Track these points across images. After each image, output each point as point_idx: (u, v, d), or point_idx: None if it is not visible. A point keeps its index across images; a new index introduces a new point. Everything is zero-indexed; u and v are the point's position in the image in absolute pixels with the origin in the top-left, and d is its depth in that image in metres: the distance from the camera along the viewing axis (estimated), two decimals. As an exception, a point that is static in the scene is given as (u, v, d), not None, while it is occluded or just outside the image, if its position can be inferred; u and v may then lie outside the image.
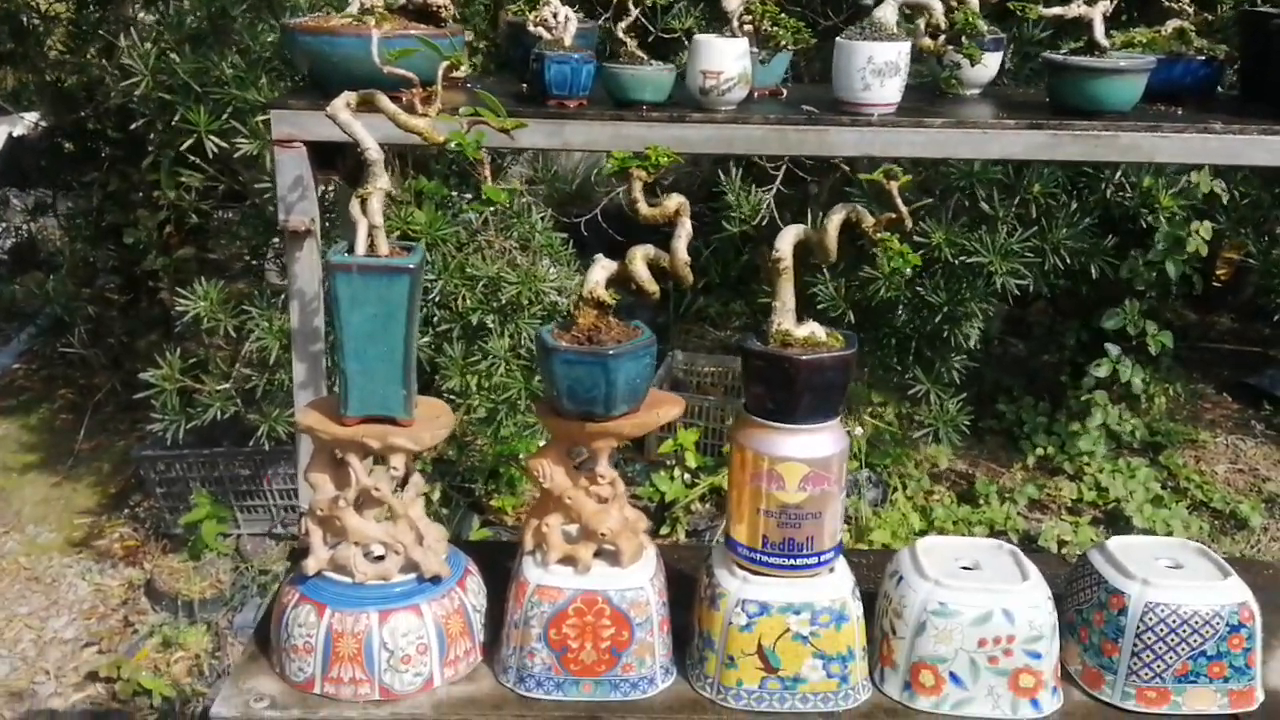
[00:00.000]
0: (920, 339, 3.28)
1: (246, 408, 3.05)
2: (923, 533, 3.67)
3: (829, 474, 1.34)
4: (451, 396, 2.98)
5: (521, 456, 3.68)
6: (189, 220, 3.79)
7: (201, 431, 3.11)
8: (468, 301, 2.92)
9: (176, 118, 2.80)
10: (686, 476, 3.79)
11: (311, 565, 1.36)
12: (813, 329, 1.33)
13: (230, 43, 2.93)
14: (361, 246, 1.29)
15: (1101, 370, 3.90)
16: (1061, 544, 3.54)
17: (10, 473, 4.09)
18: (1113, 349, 3.90)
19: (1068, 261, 3.06)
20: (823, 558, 1.37)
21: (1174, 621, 1.35)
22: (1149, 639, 1.36)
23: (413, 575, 1.39)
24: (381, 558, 1.39)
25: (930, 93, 1.66)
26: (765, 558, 1.36)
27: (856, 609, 1.38)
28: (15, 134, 4.65)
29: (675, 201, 1.29)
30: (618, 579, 1.37)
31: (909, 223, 1.25)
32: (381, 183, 1.29)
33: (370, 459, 1.37)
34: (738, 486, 1.37)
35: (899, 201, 1.25)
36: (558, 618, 1.35)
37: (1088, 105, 1.49)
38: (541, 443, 3.59)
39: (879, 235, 1.26)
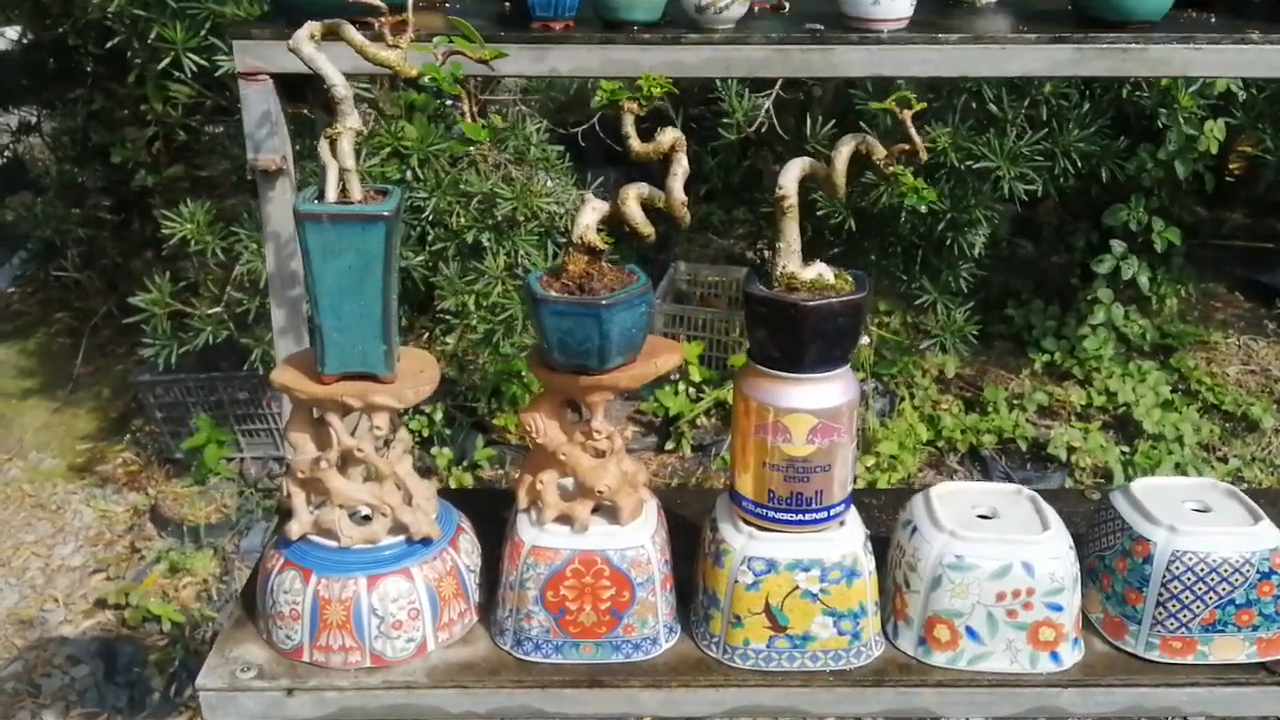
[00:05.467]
0: (926, 246, 3.20)
1: (240, 331, 2.99)
2: (930, 443, 3.63)
3: (839, 425, 1.26)
4: (449, 316, 2.92)
5: (523, 373, 3.63)
6: (177, 137, 3.68)
7: (200, 355, 3.05)
8: (462, 219, 2.84)
9: (154, 35, 2.69)
10: (691, 391, 3.74)
11: (295, 530, 1.30)
12: (820, 270, 1.24)
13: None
14: (332, 192, 1.20)
15: (1104, 266, 3.82)
16: (1071, 450, 3.51)
17: (10, 399, 4.06)
18: (1117, 245, 3.81)
19: (1079, 165, 2.96)
20: (832, 511, 1.30)
21: (1202, 570, 1.29)
22: (1175, 588, 1.29)
23: (402, 537, 1.32)
24: (368, 518, 1.33)
25: (942, 2, 1.55)
26: (772, 513, 1.29)
27: (869, 563, 1.31)
28: (-3, 50, 4.51)
29: (670, 137, 1.19)
30: (617, 537, 1.30)
31: (924, 155, 1.16)
32: (351, 121, 1.19)
33: (353, 415, 1.30)
34: (742, 438, 1.30)
35: (913, 132, 1.15)
36: (555, 579, 1.29)
37: (1115, 15, 1.37)
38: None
39: (891, 169, 1.17)
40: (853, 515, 1.35)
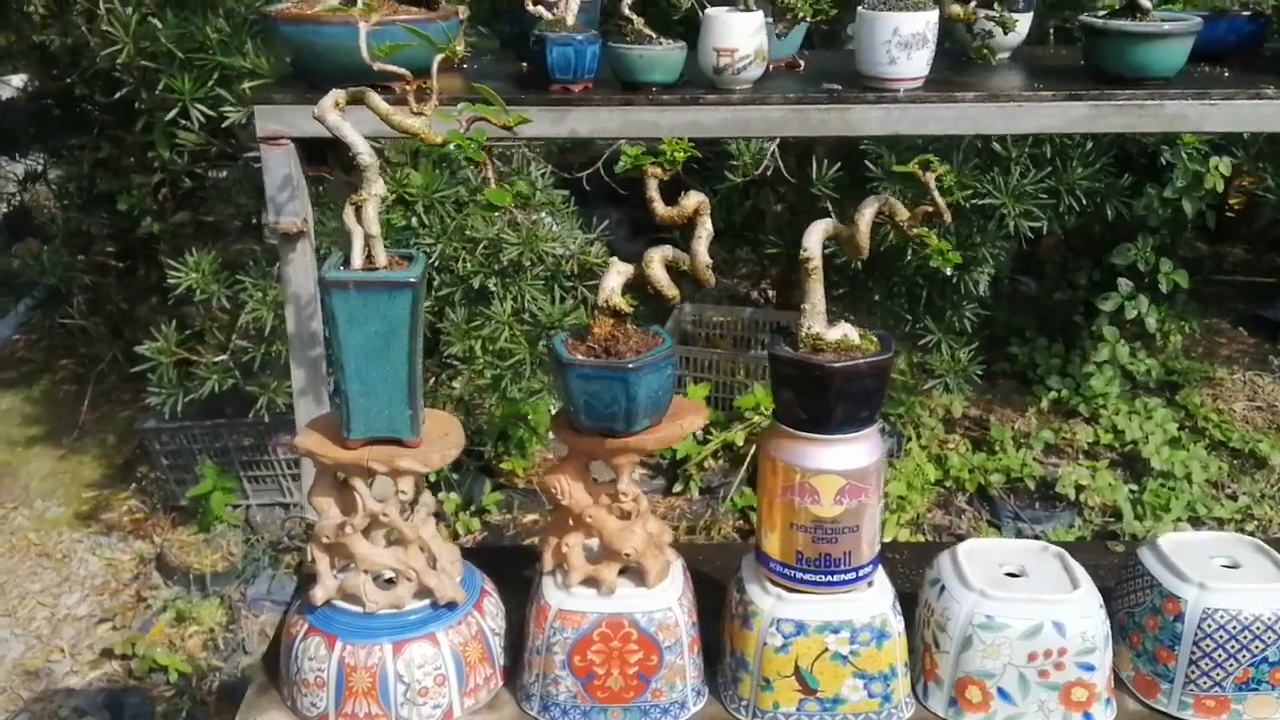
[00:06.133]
0: (931, 286, 3.20)
1: (245, 379, 2.98)
2: (938, 483, 3.61)
3: (867, 485, 1.26)
4: (455, 362, 2.92)
5: (530, 418, 3.62)
6: (184, 184, 3.70)
7: (205, 401, 3.05)
8: (468, 265, 2.84)
9: (161, 86, 2.70)
10: (698, 433, 3.73)
11: (319, 595, 1.29)
12: (845, 331, 1.24)
13: (214, 6, 2.81)
14: (358, 259, 1.20)
15: (1109, 305, 3.82)
16: (1079, 489, 3.49)
17: (15, 446, 4.04)
18: (1124, 284, 3.81)
19: (1083, 202, 2.97)
20: (861, 572, 1.30)
21: (1234, 628, 1.28)
22: (1208, 646, 1.29)
23: (427, 601, 1.31)
24: (392, 581, 1.32)
25: (955, 58, 1.55)
26: (800, 574, 1.28)
27: (898, 624, 1.31)
28: (3, 98, 4.53)
29: (694, 200, 1.19)
30: (644, 600, 1.29)
31: (948, 217, 1.16)
32: (376, 188, 1.19)
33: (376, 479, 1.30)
34: (768, 499, 1.29)
35: (937, 194, 1.15)
36: (582, 643, 1.27)
37: (1129, 72, 1.38)
38: (551, 407, 3.55)
39: (915, 230, 1.17)
40: (880, 575, 1.35)
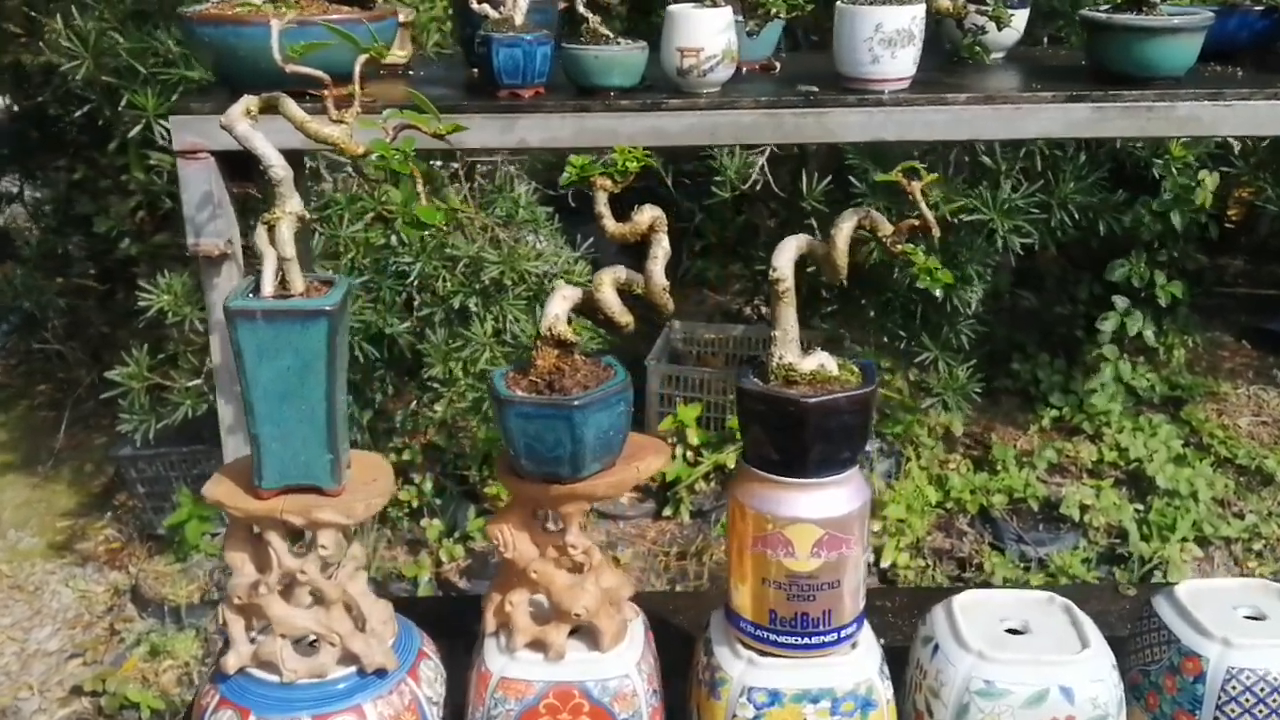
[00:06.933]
0: (926, 302, 3.09)
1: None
2: (939, 504, 3.49)
3: (848, 535, 1.12)
4: (436, 384, 2.82)
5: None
6: (162, 205, 3.60)
7: (182, 427, 2.94)
8: (448, 284, 2.75)
9: (124, 102, 2.61)
10: (689, 454, 3.61)
11: (232, 662, 1.15)
12: (821, 361, 1.10)
13: (177, 18, 2.71)
14: (269, 285, 1.06)
15: (1109, 324, 3.72)
16: (1083, 509, 3.36)
17: (-11, 474, 3.94)
18: (1120, 301, 3.71)
19: (1076, 217, 2.86)
20: (843, 633, 1.15)
21: (1262, 690, 1.14)
22: (1233, 711, 1.15)
23: (353, 668, 1.17)
24: (315, 644, 1.18)
25: (945, 57, 1.43)
26: (774, 635, 1.14)
27: (885, 690, 1.16)
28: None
29: (649, 216, 1.06)
30: (597, 666, 1.15)
31: (936, 231, 1.02)
32: (291, 205, 1.06)
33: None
34: (738, 549, 1.15)
35: (924, 205, 1.02)
36: (527, 716, 1.13)
37: (1136, 71, 1.26)
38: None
39: (899, 247, 1.04)
40: (866, 634, 1.20)
